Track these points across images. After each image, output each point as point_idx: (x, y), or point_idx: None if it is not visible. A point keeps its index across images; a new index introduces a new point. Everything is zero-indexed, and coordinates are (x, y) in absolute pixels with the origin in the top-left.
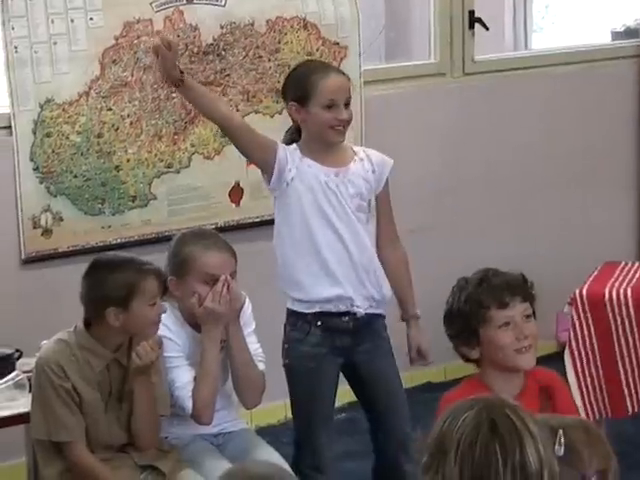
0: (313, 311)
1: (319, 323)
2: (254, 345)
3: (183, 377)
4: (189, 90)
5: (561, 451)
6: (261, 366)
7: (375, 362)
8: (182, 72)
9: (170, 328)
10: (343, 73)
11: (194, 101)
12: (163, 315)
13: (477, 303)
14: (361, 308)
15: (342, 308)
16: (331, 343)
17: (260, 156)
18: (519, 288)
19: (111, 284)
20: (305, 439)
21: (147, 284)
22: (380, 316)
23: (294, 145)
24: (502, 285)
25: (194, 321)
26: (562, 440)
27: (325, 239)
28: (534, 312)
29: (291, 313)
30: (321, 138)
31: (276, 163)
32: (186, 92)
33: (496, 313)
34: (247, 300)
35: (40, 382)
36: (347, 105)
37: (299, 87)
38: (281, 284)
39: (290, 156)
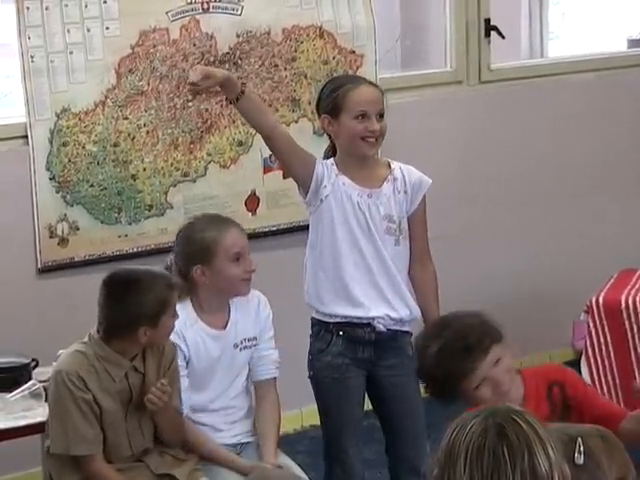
0: (335, 321)
1: (341, 333)
2: (270, 351)
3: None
4: (247, 101)
5: (581, 459)
6: (275, 373)
7: (397, 380)
8: (244, 83)
9: (176, 331)
10: (375, 85)
11: (248, 113)
12: None
13: (449, 374)
14: (381, 325)
15: (364, 320)
16: (353, 354)
17: (299, 169)
18: (478, 346)
19: (147, 304)
20: (335, 451)
21: (174, 298)
22: (406, 333)
23: (331, 160)
24: (462, 351)
25: (226, 296)
26: (582, 448)
27: (351, 259)
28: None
29: (315, 322)
30: (353, 151)
31: (314, 178)
32: (244, 104)
33: (466, 382)
34: (267, 305)
35: (60, 394)
36: (380, 117)
37: (330, 99)
38: (306, 297)
39: (327, 172)
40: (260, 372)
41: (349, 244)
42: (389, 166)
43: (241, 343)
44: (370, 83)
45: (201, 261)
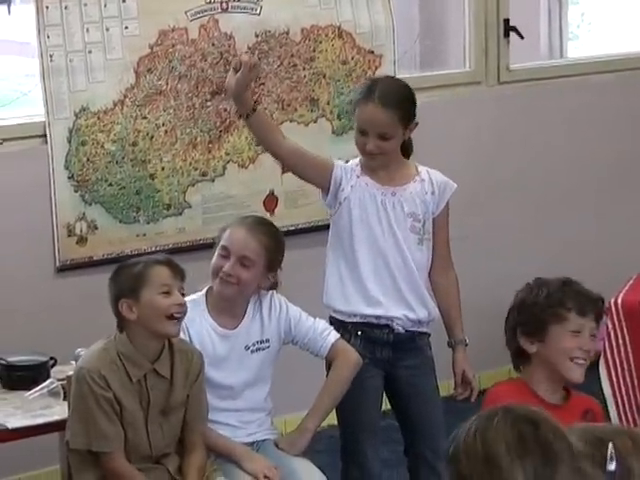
0: (354, 320)
1: (359, 333)
2: (313, 327)
3: None
4: (258, 119)
5: (613, 466)
6: (331, 338)
7: (416, 380)
8: (256, 102)
9: (187, 323)
10: (386, 104)
11: (257, 130)
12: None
13: (559, 301)
14: (400, 326)
15: (383, 321)
16: (372, 354)
17: (315, 177)
18: (597, 306)
19: (121, 277)
20: (351, 451)
21: (154, 271)
22: (425, 334)
23: (356, 161)
24: (586, 295)
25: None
26: (613, 454)
27: (369, 260)
28: None
29: (333, 322)
30: (363, 161)
31: (332, 183)
32: (254, 122)
33: (574, 317)
34: (281, 304)
35: (81, 392)
36: (383, 138)
37: (352, 106)
38: (325, 298)
39: (346, 175)
40: (321, 348)
41: (368, 244)
42: (416, 168)
43: (253, 345)
44: (381, 100)
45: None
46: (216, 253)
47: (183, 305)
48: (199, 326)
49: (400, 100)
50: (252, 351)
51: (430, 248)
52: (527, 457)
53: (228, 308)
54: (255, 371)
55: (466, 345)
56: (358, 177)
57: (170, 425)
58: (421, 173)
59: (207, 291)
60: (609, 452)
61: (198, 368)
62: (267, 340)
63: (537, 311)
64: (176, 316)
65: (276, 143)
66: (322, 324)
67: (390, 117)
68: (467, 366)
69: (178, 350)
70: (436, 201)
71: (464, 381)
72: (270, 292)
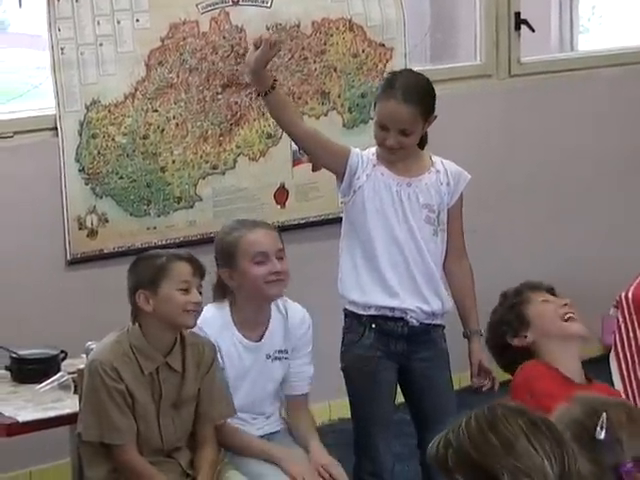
0: (368, 313)
1: (373, 326)
2: (305, 367)
3: None
4: (276, 98)
5: (602, 435)
6: (307, 389)
7: (430, 372)
8: (275, 80)
9: (207, 333)
10: (408, 101)
11: (274, 108)
12: (207, 320)
13: (514, 294)
14: (415, 319)
15: (397, 314)
16: (386, 347)
17: (330, 162)
18: (541, 283)
19: (142, 268)
20: (364, 445)
21: (175, 266)
22: (439, 326)
23: (372, 150)
24: (526, 282)
25: (256, 303)
26: (605, 424)
27: (386, 250)
28: None
29: (347, 314)
30: (380, 154)
31: (347, 170)
32: (272, 100)
33: (533, 294)
34: (307, 321)
35: (93, 384)
36: (404, 133)
37: (374, 101)
38: (340, 287)
39: (362, 164)
40: (293, 387)
41: (384, 234)
42: (430, 159)
43: (273, 354)
44: (403, 96)
45: (228, 265)
46: (250, 264)
47: (199, 304)
48: (227, 337)
49: (422, 95)
50: (272, 360)
51: (444, 239)
52: (544, 441)
53: (253, 318)
54: (276, 380)
55: (481, 335)
56: (374, 166)
57: (182, 419)
58: (436, 164)
59: (230, 303)
60: (600, 421)
61: (210, 360)
62: (286, 351)
63: (508, 314)
64: (192, 311)
65: (293, 123)
66: (312, 370)
67: (412, 113)
68: (483, 356)
69: (190, 344)
70: (451, 192)
71: (482, 371)
72: (302, 309)
